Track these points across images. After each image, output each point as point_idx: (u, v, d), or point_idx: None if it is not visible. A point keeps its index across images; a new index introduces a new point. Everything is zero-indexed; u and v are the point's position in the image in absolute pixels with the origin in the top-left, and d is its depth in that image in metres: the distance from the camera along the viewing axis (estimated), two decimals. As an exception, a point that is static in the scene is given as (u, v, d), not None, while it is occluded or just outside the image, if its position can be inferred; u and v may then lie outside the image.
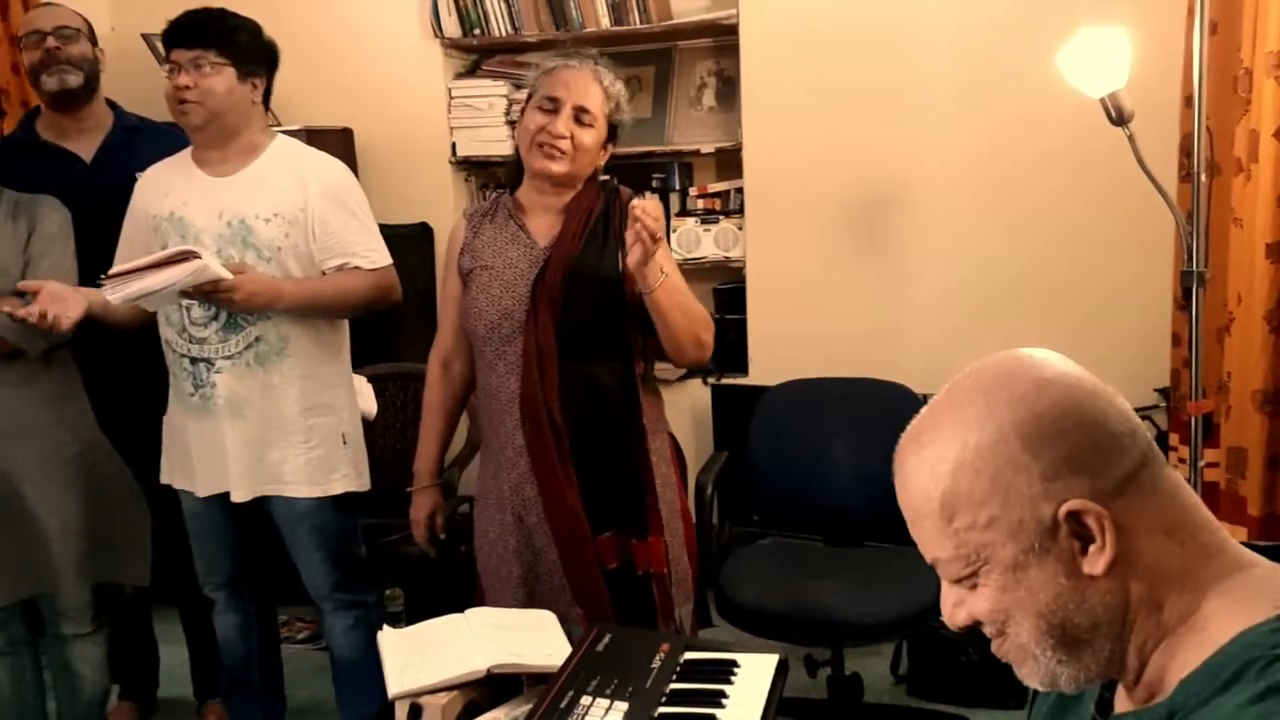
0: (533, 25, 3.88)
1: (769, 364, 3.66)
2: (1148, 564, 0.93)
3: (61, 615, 2.67)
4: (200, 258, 2.25)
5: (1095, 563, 0.93)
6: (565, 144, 2.22)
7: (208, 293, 2.32)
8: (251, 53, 2.48)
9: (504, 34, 3.90)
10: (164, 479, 2.63)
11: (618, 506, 2.27)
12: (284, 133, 3.58)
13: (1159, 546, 0.93)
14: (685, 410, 3.77)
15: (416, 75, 3.95)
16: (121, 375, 2.75)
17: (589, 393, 2.24)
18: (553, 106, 2.22)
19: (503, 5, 3.89)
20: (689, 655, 1.77)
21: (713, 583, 2.80)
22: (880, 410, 3.00)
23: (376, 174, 3.92)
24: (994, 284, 3.50)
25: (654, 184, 3.92)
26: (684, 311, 2.22)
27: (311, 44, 3.99)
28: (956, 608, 1.00)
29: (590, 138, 2.24)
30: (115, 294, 2.26)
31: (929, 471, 0.97)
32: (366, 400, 2.88)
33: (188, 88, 2.39)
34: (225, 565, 2.68)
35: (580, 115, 2.22)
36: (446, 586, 2.70)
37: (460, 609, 1.98)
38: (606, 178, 2.36)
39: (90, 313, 2.37)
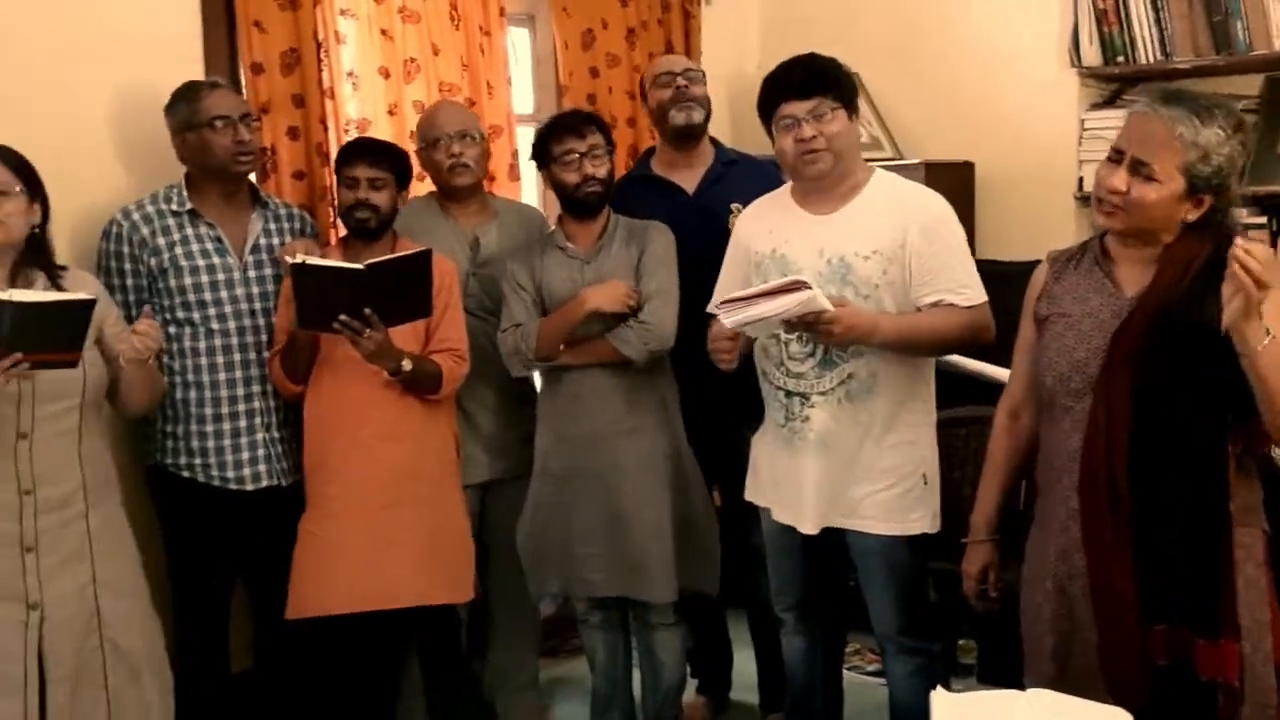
0: (1187, 50, 3.52)
1: None
2: None
3: (648, 604, 2.91)
4: (810, 288, 2.31)
5: None
6: (1119, 199, 1.98)
7: (809, 324, 2.36)
8: (852, 93, 2.52)
9: (1151, 60, 3.58)
10: (748, 496, 2.74)
11: (1181, 598, 1.98)
12: (905, 166, 3.61)
13: None
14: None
15: (1047, 107, 3.77)
16: (707, 393, 2.90)
17: (1163, 463, 1.98)
18: (1117, 157, 2.00)
19: (1154, 30, 3.58)
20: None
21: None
22: None
23: (994, 208, 3.81)
24: None
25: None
26: None
27: (938, 77, 3.99)
28: None
29: (1153, 193, 1.97)
30: (729, 319, 2.39)
31: None
32: None
33: (815, 137, 2.44)
34: (796, 588, 2.73)
35: (1139, 168, 1.96)
36: (1020, 646, 2.52)
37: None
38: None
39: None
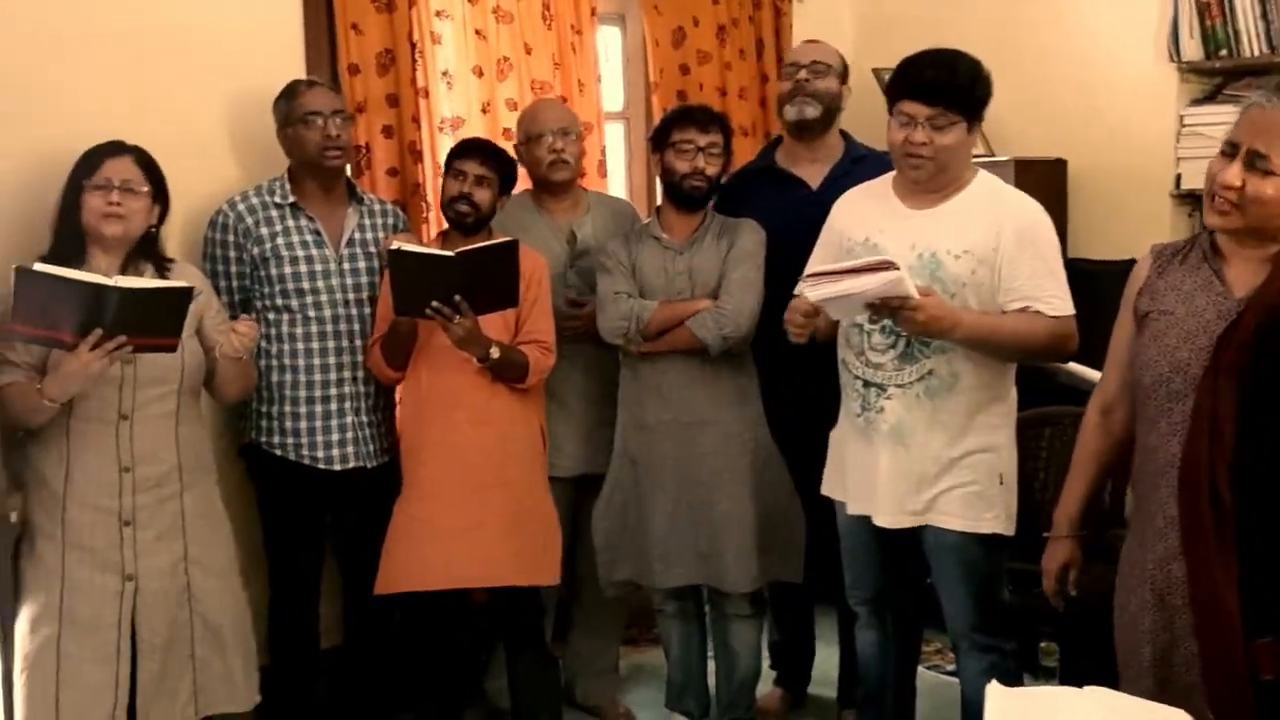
0: (1293, 44, 3.42)
1: None
2: None
3: (724, 595, 2.94)
4: (898, 269, 2.30)
5: None
6: (1233, 195, 1.91)
7: (894, 308, 2.35)
8: (982, 103, 2.47)
9: (1256, 54, 3.48)
10: (824, 490, 2.75)
11: None
12: (995, 163, 3.56)
13: None
14: None
15: (1145, 102, 3.69)
16: (794, 387, 2.92)
17: (1270, 471, 1.91)
18: (1231, 151, 1.93)
19: (1260, 23, 3.48)
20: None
21: None
22: None
23: (1087, 206, 3.75)
24: None
25: None
26: None
27: (1031, 72, 3.92)
28: None
29: (1270, 188, 1.90)
30: (813, 292, 2.40)
31: None
32: None
33: (925, 144, 2.42)
34: (870, 582, 2.74)
35: (1255, 161, 1.90)
36: (1104, 650, 2.49)
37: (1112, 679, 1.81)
38: None
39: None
